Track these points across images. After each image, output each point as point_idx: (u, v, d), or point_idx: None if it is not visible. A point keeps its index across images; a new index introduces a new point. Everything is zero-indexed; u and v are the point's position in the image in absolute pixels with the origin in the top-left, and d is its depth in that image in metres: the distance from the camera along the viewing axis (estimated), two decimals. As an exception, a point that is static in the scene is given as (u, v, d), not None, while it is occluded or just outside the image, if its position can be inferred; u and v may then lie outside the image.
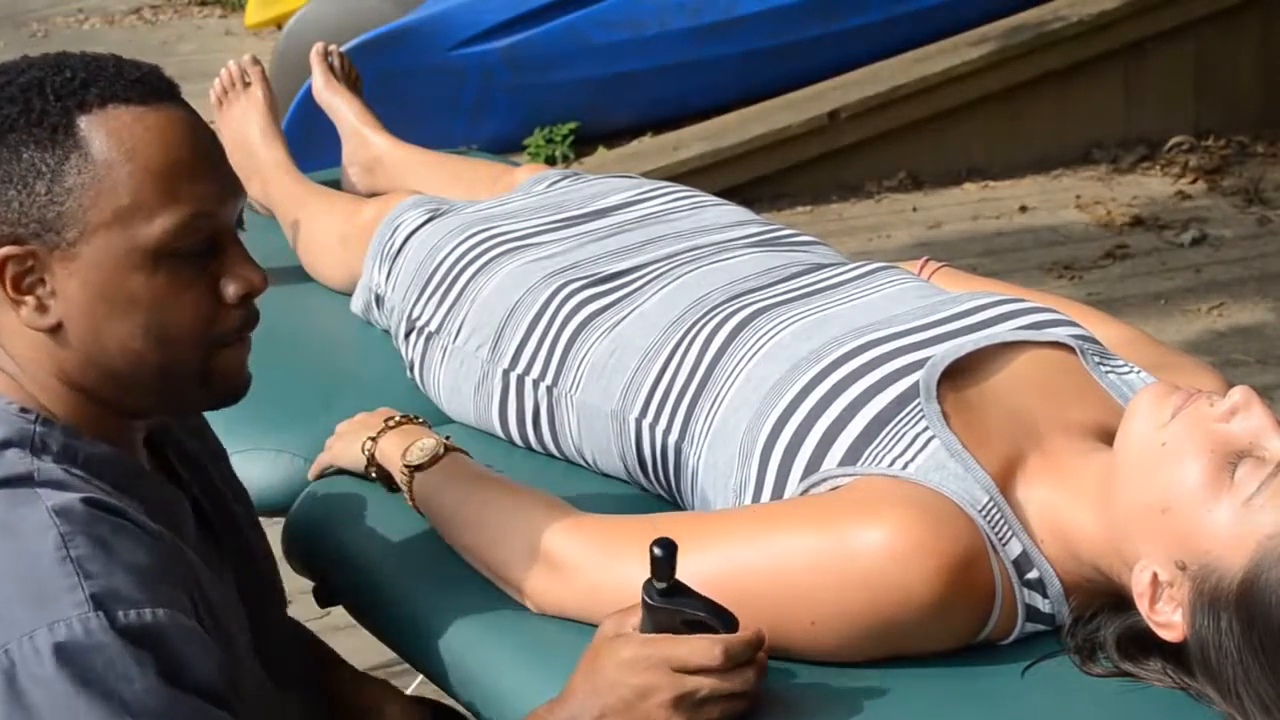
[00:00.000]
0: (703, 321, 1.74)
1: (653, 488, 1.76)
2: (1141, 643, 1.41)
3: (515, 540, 1.58)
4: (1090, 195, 5.20)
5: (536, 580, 1.56)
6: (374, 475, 1.79)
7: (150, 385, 1.31)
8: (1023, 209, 5.12)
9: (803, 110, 5.31)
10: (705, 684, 1.34)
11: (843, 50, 5.52)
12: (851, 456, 1.50)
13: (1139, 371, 1.60)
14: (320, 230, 2.37)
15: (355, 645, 1.83)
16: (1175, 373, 1.62)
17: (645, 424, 1.72)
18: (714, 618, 1.36)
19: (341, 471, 1.85)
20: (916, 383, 1.52)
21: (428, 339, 2.01)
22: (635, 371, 1.76)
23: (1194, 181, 5.25)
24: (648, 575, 1.35)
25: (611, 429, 1.77)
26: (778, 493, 1.55)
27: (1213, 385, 1.58)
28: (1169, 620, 1.38)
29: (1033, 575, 1.45)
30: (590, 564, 1.53)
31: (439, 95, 5.36)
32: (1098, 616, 1.45)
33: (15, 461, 1.26)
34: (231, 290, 1.31)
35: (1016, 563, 1.45)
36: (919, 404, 1.50)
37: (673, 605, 1.36)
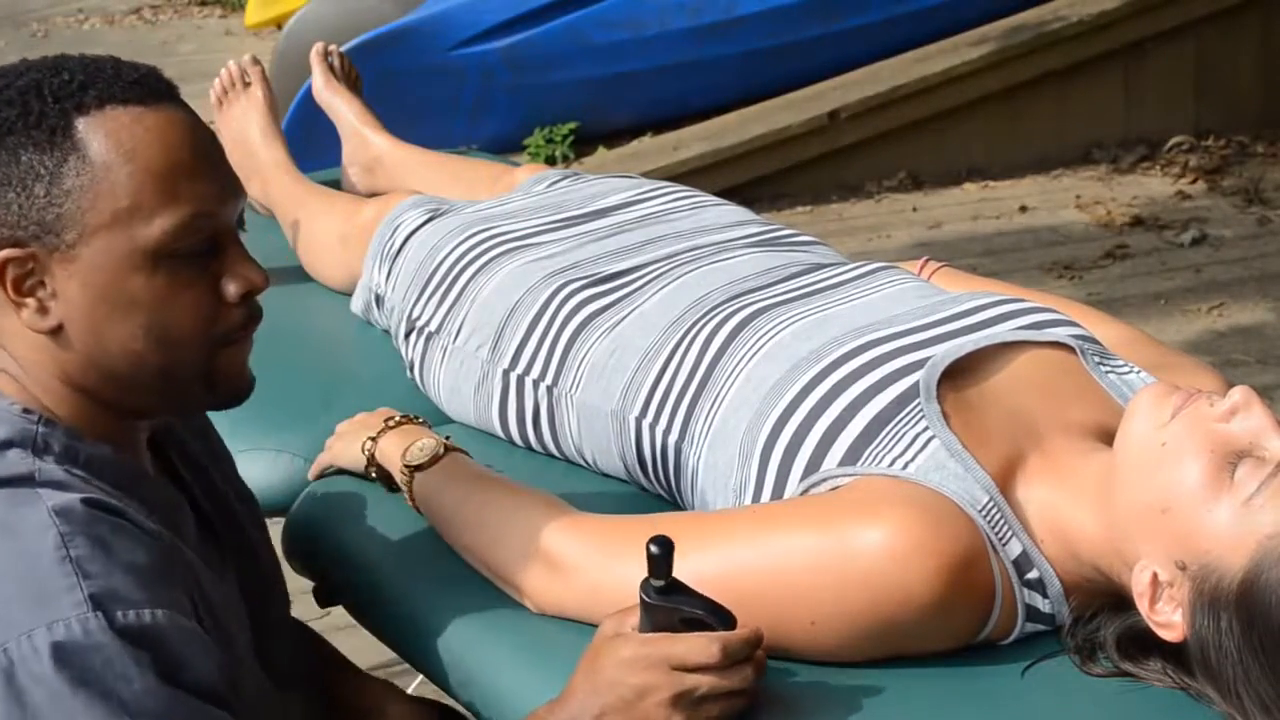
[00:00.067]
0: (703, 321, 1.74)
1: (653, 488, 1.76)
2: (1141, 643, 1.41)
3: (515, 540, 1.58)
4: (1090, 195, 5.20)
5: (536, 580, 1.56)
6: (374, 475, 1.79)
7: (152, 386, 1.31)
8: (1023, 209, 5.12)
9: (803, 110, 5.31)
10: (704, 682, 1.34)
11: (843, 50, 5.52)
12: (851, 456, 1.50)
13: (1139, 371, 1.60)
14: (320, 230, 2.37)
15: (355, 645, 1.83)
16: (1175, 373, 1.62)
17: (645, 424, 1.72)
18: (711, 615, 1.36)
19: (341, 471, 1.85)
20: (916, 383, 1.52)
21: (428, 339, 2.01)
22: (635, 371, 1.76)
23: (1194, 181, 5.26)
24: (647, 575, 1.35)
25: (611, 429, 1.77)
26: (778, 493, 1.55)
27: (1213, 385, 1.58)
28: (1169, 620, 1.38)
29: (1033, 575, 1.45)
30: (590, 564, 1.53)
31: (439, 95, 5.36)
32: (1098, 616, 1.45)
33: (17, 461, 1.26)
34: (232, 289, 1.31)
35: (1016, 563, 1.45)
36: (919, 404, 1.50)
37: (670, 603, 1.36)
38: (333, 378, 2.13)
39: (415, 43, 5.33)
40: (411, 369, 2.06)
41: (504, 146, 5.15)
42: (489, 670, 1.55)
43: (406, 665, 1.69)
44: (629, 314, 1.82)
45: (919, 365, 1.55)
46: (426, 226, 2.12)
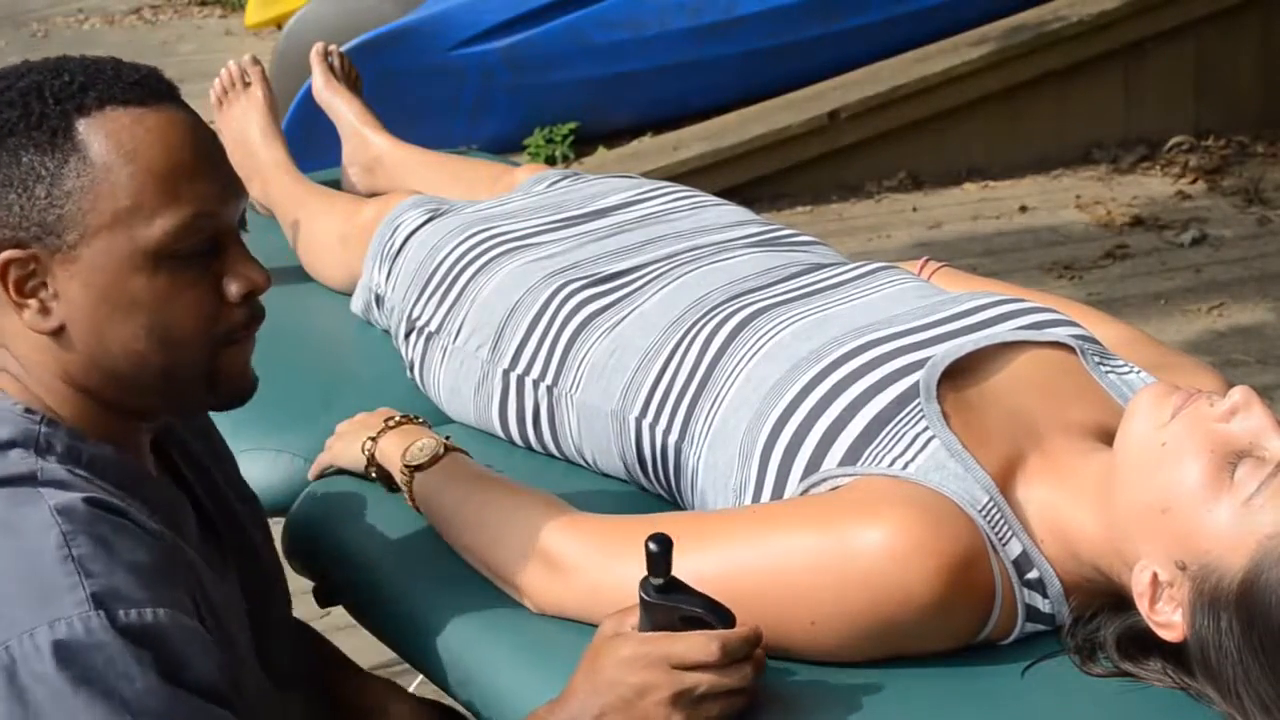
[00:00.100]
0: (703, 321, 1.74)
1: (653, 488, 1.76)
2: (1141, 643, 1.41)
3: (515, 540, 1.58)
4: (1090, 195, 5.20)
5: (536, 580, 1.56)
6: (374, 475, 1.79)
7: (154, 386, 1.31)
8: (1023, 209, 5.12)
9: (803, 110, 5.31)
10: (703, 680, 1.34)
11: (843, 50, 5.52)
12: (851, 456, 1.50)
13: (1139, 371, 1.60)
14: (320, 230, 2.37)
15: (355, 645, 1.83)
16: (1175, 373, 1.62)
17: (645, 424, 1.72)
18: (711, 614, 1.36)
19: (341, 471, 1.85)
20: (916, 383, 1.52)
21: (428, 339, 2.02)
22: (635, 371, 1.76)
23: (1194, 181, 5.26)
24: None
25: (611, 429, 1.77)
26: (778, 493, 1.55)
27: (1213, 385, 1.58)
28: (1169, 620, 1.39)
29: (1033, 575, 1.45)
30: (590, 564, 1.53)
31: (439, 95, 5.36)
32: (1098, 616, 1.45)
33: (19, 461, 1.26)
34: (234, 289, 1.31)
35: (1016, 563, 1.45)
36: (919, 404, 1.50)
37: (670, 602, 1.36)
38: (333, 378, 2.13)
39: (415, 43, 5.34)
40: (411, 369, 2.06)
41: (504, 146, 5.15)
42: (488, 670, 1.55)
43: (406, 665, 1.69)
44: (629, 314, 1.82)
45: (919, 365, 1.55)
46: (426, 226, 2.12)
